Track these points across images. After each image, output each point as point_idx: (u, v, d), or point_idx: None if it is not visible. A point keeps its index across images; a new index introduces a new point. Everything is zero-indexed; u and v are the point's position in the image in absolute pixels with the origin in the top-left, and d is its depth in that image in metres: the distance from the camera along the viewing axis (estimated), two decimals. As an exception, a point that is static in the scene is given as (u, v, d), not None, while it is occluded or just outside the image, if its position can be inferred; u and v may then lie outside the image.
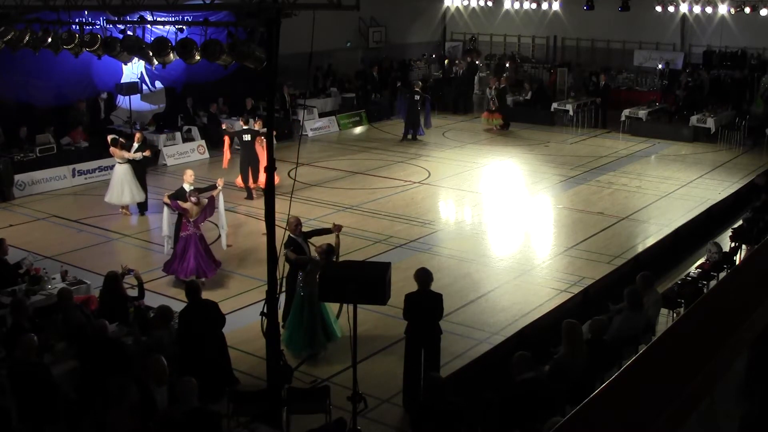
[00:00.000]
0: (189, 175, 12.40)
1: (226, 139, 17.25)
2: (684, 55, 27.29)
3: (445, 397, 7.12)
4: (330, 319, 9.90)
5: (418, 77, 28.61)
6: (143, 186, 15.52)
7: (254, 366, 9.39)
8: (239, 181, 16.88)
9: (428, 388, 7.35)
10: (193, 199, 11.63)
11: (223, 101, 22.22)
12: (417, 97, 22.47)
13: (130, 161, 15.17)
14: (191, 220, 11.66)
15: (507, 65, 29.25)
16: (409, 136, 22.54)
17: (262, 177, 15.13)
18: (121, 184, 15.18)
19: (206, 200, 11.82)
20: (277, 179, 9.43)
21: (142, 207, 15.61)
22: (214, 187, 12.38)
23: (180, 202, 11.69)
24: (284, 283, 10.02)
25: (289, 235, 9.99)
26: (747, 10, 24.71)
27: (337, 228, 10.15)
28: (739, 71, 25.43)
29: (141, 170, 15.57)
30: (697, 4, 25.84)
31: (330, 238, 10.14)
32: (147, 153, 15.70)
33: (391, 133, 23.63)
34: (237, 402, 7.94)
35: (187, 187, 12.04)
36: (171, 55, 9.98)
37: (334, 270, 7.95)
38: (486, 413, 7.31)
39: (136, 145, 15.32)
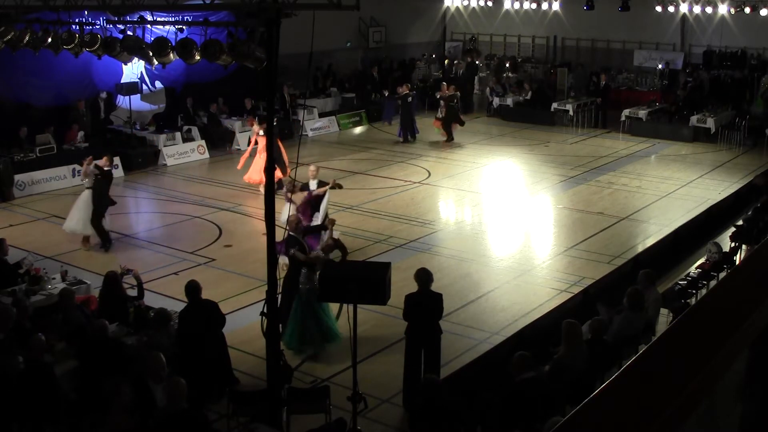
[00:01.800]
0: (312, 170, 13.36)
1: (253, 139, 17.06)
2: (684, 55, 27.30)
3: (443, 397, 7.11)
4: (331, 321, 9.88)
5: (418, 77, 28.69)
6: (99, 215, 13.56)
7: (254, 366, 9.38)
8: (254, 178, 16.70)
9: (425, 390, 7.34)
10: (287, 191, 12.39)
11: (223, 101, 22.23)
12: (410, 99, 22.50)
13: (93, 187, 13.41)
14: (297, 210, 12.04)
15: (507, 65, 29.28)
16: (410, 138, 22.55)
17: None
18: (80, 211, 13.55)
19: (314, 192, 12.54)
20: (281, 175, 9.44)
21: (107, 243, 13.69)
22: (326, 184, 12.92)
23: (289, 194, 12.28)
24: (281, 284, 10.04)
25: (289, 234, 9.99)
26: (747, 10, 24.71)
27: (331, 222, 10.30)
28: (739, 71, 25.43)
29: (103, 199, 13.56)
30: (697, 4, 25.85)
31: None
32: (103, 162, 13.66)
33: (391, 133, 23.61)
34: (237, 402, 7.94)
35: (313, 182, 12.89)
36: (171, 55, 9.98)
37: (334, 270, 7.95)
38: (486, 413, 7.31)
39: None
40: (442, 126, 22.43)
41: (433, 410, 7.06)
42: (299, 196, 12.49)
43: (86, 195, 13.55)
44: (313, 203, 12.74)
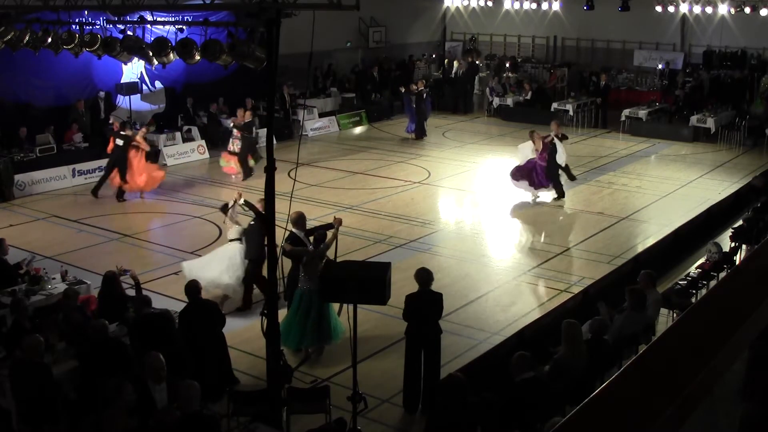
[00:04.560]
0: (555, 126, 16.63)
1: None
2: (684, 55, 27.29)
3: (466, 399, 6.94)
4: (331, 320, 9.85)
5: (418, 77, 28.68)
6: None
7: (254, 366, 9.39)
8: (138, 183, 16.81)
9: (447, 390, 7.17)
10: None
11: (223, 101, 22.24)
12: (424, 95, 22.70)
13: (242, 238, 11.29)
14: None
15: (507, 65, 29.26)
16: (421, 135, 22.60)
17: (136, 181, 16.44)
18: (220, 263, 11.11)
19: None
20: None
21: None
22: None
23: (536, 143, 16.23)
24: (285, 282, 10.09)
25: (291, 231, 10.01)
26: (747, 10, 24.69)
27: (338, 221, 10.09)
28: (739, 71, 25.42)
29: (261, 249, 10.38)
30: (697, 4, 25.83)
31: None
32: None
33: (391, 133, 23.63)
34: (237, 402, 7.94)
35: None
36: (171, 55, 9.98)
37: (334, 270, 7.95)
38: (486, 413, 7.30)
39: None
40: (238, 161, 18.22)
41: (454, 412, 6.96)
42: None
43: (233, 248, 11.25)
44: (549, 150, 16.01)
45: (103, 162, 18.31)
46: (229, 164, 18.33)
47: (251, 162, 18.23)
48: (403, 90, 23.55)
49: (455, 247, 13.93)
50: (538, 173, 16.17)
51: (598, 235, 14.43)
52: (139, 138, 16.70)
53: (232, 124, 18.50)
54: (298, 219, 10.05)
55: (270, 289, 8.02)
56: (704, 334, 2.13)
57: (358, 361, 7.52)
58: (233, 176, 18.30)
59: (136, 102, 20.21)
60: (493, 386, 7.69)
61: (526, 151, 16.49)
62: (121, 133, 16.63)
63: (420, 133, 22.73)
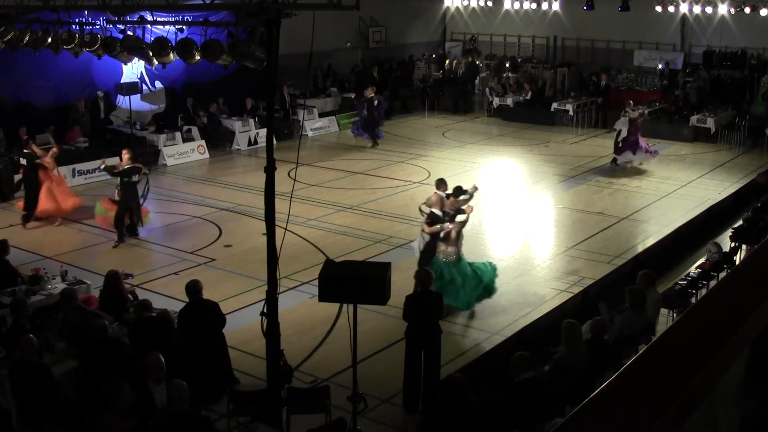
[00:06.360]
0: (631, 106, 19.60)
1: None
2: (684, 55, 27.29)
3: (466, 399, 6.94)
4: (484, 275, 10.93)
5: (418, 77, 28.71)
6: None
7: (254, 366, 9.38)
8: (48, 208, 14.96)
9: (447, 390, 7.15)
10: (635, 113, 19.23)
11: (223, 101, 22.25)
12: (376, 102, 21.92)
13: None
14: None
15: (507, 65, 29.25)
16: (374, 143, 21.94)
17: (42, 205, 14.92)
18: None
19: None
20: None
21: None
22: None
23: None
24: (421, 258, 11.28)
25: (431, 211, 11.20)
26: (747, 10, 24.69)
27: (470, 209, 11.33)
28: (739, 71, 25.41)
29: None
30: (697, 4, 25.82)
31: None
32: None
33: (391, 133, 23.59)
34: (237, 402, 7.94)
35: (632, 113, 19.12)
36: (171, 55, 9.98)
37: (334, 270, 7.94)
38: (486, 413, 7.29)
39: None
40: (114, 221, 13.85)
41: (453, 413, 6.94)
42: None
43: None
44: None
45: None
46: (108, 214, 14.11)
47: (135, 220, 14.11)
48: (354, 98, 24.09)
49: (455, 247, 13.91)
50: (640, 143, 19.24)
51: (598, 235, 14.43)
52: (47, 159, 15.00)
53: (117, 171, 14.00)
54: (439, 200, 11.37)
55: (270, 289, 8.02)
56: (704, 334, 2.13)
57: (358, 361, 7.52)
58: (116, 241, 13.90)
59: (136, 102, 20.20)
60: (493, 386, 7.69)
61: (622, 126, 19.42)
62: (24, 150, 15.29)
63: (374, 140, 21.92)
